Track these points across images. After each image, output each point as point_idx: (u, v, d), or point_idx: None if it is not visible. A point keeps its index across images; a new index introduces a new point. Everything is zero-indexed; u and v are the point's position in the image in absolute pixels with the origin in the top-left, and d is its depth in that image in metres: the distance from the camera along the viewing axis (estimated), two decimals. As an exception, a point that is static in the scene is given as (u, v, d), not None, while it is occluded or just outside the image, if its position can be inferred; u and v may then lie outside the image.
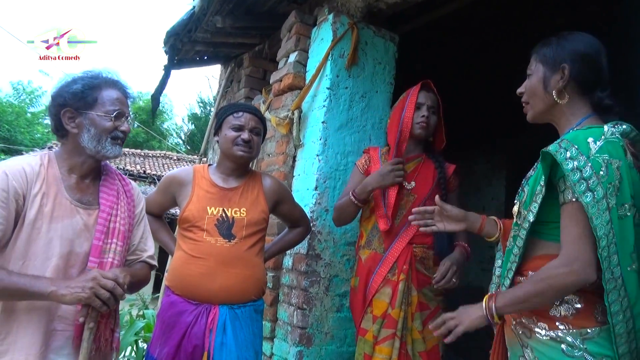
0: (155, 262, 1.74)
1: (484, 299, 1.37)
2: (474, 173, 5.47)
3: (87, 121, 1.51)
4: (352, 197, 2.20)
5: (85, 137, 1.51)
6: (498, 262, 1.55)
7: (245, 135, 2.02)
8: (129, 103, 1.63)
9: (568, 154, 1.23)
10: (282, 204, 2.21)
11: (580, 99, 1.38)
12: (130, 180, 1.76)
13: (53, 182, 1.50)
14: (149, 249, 1.72)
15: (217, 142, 2.12)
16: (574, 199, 1.24)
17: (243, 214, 2.01)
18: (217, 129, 2.12)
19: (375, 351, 2.07)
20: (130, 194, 1.69)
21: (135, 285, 1.62)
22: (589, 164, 1.21)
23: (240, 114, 2.05)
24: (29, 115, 24.77)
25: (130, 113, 1.62)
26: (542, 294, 1.27)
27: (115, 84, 1.59)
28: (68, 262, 1.47)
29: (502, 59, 3.85)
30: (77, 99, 1.51)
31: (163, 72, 4.31)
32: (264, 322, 2.32)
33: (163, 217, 2.32)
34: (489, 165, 5.32)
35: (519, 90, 1.51)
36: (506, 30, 3.69)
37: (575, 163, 1.22)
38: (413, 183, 2.22)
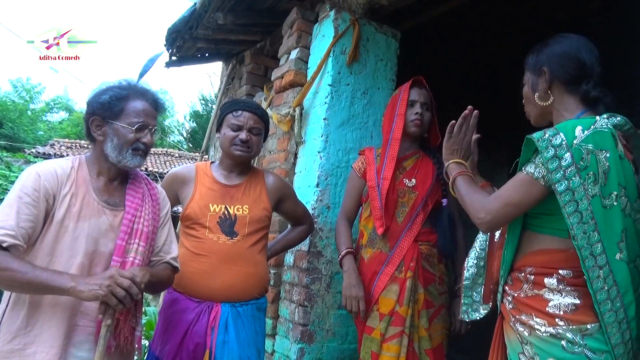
0: (177, 264, 1.76)
1: (454, 165, 1.57)
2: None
3: (112, 131, 1.57)
4: (340, 255, 2.23)
5: (109, 145, 1.57)
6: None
7: (243, 135, 2.00)
8: (158, 114, 1.66)
9: (551, 142, 1.26)
10: (284, 201, 2.20)
11: (569, 96, 1.42)
12: (156, 185, 1.79)
13: (82, 183, 1.56)
14: (173, 252, 1.75)
15: (219, 138, 2.11)
16: (525, 172, 1.31)
17: (245, 211, 2.00)
18: (219, 126, 2.11)
19: (383, 349, 2.05)
20: (156, 197, 1.73)
21: (155, 286, 1.66)
22: (570, 152, 1.23)
23: (239, 112, 2.03)
24: (30, 112, 24.82)
25: (156, 125, 1.65)
26: (465, 205, 1.47)
27: (144, 95, 1.63)
28: (93, 261, 1.52)
29: (504, 55, 3.84)
30: (105, 109, 1.56)
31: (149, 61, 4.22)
32: (265, 319, 2.32)
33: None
34: (490, 162, 5.29)
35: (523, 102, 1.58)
36: (508, 26, 3.68)
37: (556, 151, 1.25)
38: (414, 180, 2.21)
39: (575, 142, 1.24)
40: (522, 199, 1.31)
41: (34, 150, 15.27)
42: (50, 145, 16.41)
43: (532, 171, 1.30)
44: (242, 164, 2.09)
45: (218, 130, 2.12)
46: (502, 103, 4.17)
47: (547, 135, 1.27)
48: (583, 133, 1.25)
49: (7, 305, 1.46)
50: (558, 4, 3.35)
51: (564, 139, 1.25)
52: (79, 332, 1.49)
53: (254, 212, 2.01)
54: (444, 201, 2.21)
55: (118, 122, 1.56)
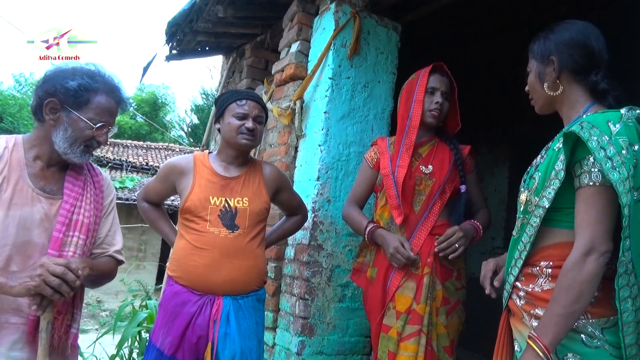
0: (122, 257, 1.64)
1: (530, 346, 1.23)
2: (476, 163, 5.40)
3: (68, 120, 1.43)
4: (365, 234, 2.14)
5: (60, 134, 1.43)
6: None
7: (249, 124, 2.00)
8: (119, 112, 1.55)
9: (591, 133, 1.22)
10: (281, 192, 2.20)
11: (577, 86, 1.39)
12: (101, 171, 1.68)
13: (16, 167, 1.43)
14: (117, 244, 1.64)
15: (218, 129, 2.10)
16: (590, 183, 1.23)
17: (245, 204, 2.00)
18: (219, 116, 2.09)
19: (400, 348, 1.98)
20: (100, 184, 1.61)
21: (97, 279, 1.54)
22: (612, 144, 1.19)
23: (244, 101, 2.02)
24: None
25: (114, 124, 1.53)
26: (581, 296, 1.19)
27: (112, 92, 1.51)
28: (24, 253, 1.41)
29: (506, 48, 3.82)
30: (68, 95, 1.43)
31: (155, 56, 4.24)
32: (266, 313, 2.33)
33: (162, 206, 2.32)
34: (491, 156, 5.27)
35: (526, 89, 1.54)
36: (510, 19, 3.66)
37: (599, 142, 1.20)
38: (430, 167, 2.15)
39: (612, 134, 1.21)
40: (605, 209, 1.22)
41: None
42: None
43: (588, 180, 1.23)
44: (243, 155, 2.08)
45: (217, 121, 2.10)
46: (504, 97, 4.16)
47: (584, 127, 1.23)
48: (615, 126, 1.22)
49: None
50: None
51: (602, 131, 1.21)
52: (12, 330, 1.38)
53: (254, 205, 2.01)
54: (462, 187, 2.15)
55: (79, 113, 1.43)
